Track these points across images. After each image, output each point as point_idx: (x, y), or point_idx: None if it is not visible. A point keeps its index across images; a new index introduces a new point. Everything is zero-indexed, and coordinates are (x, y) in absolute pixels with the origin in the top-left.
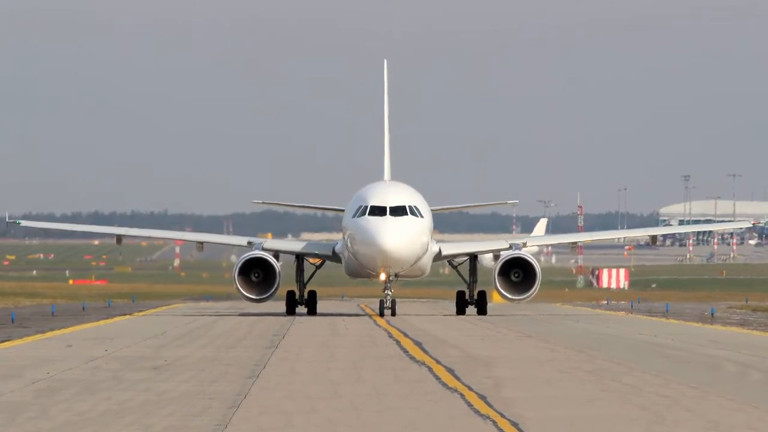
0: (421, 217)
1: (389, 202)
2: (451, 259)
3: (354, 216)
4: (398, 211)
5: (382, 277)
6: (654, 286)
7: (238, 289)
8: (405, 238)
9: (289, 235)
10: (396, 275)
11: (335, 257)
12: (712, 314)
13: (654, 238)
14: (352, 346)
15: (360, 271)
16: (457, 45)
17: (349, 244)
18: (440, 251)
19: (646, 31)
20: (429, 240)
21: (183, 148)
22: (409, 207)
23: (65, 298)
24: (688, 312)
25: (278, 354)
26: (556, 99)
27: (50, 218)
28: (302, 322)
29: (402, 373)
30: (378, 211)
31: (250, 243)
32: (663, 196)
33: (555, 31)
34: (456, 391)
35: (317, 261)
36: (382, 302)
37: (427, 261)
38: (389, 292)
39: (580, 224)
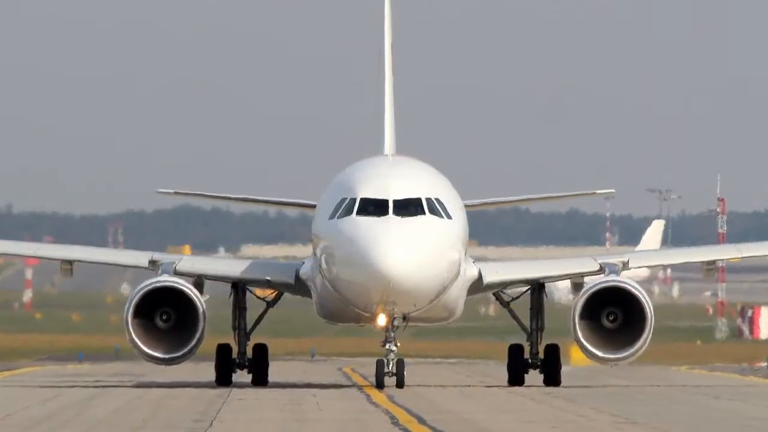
0: (449, 217)
1: (393, 192)
2: (499, 290)
3: (333, 216)
4: (409, 206)
5: (381, 321)
6: None
7: (132, 341)
8: (420, 254)
9: (222, 249)
10: (405, 318)
11: (300, 287)
12: None
13: None
14: None
15: (342, 311)
16: None
17: (324, 265)
18: (480, 276)
19: None
20: (462, 257)
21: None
22: (428, 200)
23: None
24: None
25: None
26: (678, 32)
27: None
28: (243, 398)
29: None
30: (374, 207)
31: (153, 262)
32: None
33: None
34: None
35: (269, 294)
36: (380, 364)
37: (457, 293)
38: (393, 347)
39: (720, 230)
